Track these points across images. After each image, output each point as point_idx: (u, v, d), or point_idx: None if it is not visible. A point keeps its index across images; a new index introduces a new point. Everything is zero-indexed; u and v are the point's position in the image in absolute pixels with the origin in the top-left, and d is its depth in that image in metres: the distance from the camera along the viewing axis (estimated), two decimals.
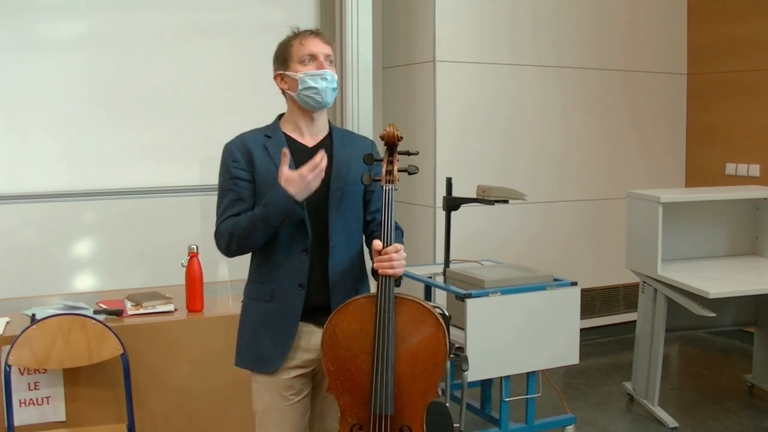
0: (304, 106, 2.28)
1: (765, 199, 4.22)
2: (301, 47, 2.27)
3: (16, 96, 3.82)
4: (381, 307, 2.12)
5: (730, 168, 5.42)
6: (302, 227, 2.23)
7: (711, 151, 5.57)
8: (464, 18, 4.82)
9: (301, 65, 2.26)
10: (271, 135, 2.32)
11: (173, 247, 3.46)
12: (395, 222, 2.25)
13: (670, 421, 3.84)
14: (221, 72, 4.22)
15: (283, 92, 2.35)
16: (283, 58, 2.33)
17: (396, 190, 2.21)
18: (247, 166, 2.26)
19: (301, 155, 2.24)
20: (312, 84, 2.24)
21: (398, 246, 2.15)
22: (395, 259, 2.13)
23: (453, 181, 3.70)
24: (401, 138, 2.22)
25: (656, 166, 5.62)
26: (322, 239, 2.25)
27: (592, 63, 5.28)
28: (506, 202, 3.61)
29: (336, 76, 2.28)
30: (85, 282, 4.02)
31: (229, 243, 2.24)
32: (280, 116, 2.40)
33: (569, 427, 3.66)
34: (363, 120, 4.41)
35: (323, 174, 2.15)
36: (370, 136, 4.46)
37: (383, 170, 2.21)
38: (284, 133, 2.32)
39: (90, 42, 3.94)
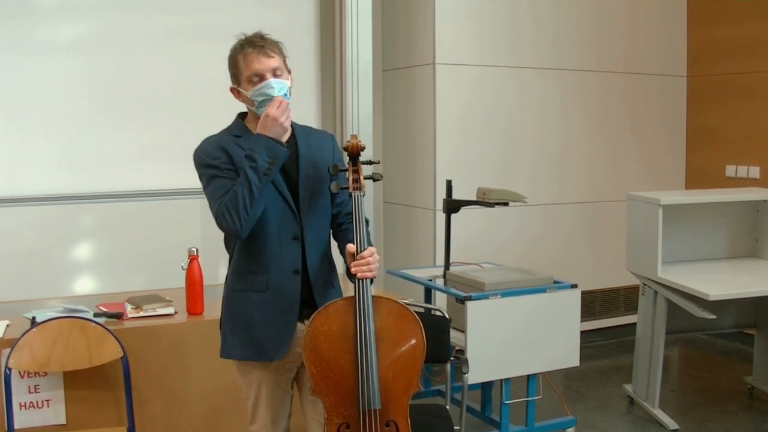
0: None
1: (765, 201, 4.22)
2: (246, 67, 2.28)
3: (16, 98, 3.82)
4: (360, 307, 2.19)
5: (730, 170, 5.42)
6: (291, 215, 2.31)
7: (711, 153, 5.57)
8: (464, 20, 4.82)
9: (249, 84, 2.28)
10: (240, 134, 2.35)
11: (173, 249, 3.46)
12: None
13: (671, 424, 3.84)
14: (221, 74, 4.20)
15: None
16: (233, 73, 2.35)
17: (363, 195, 2.31)
18: (229, 162, 2.30)
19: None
20: (261, 97, 2.27)
21: (372, 249, 2.25)
22: (371, 262, 2.22)
23: (453, 184, 3.70)
24: (364, 148, 2.34)
25: (656, 168, 5.62)
26: (297, 239, 2.33)
27: (592, 65, 5.29)
28: (506, 204, 3.61)
29: (286, 82, 2.29)
30: (85, 285, 4.02)
31: (233, 214, 2.22)
32: (242, 115, 2.44)
33: (569, 429, 3.66)
34: (363, 122, 4.42)
35: (289, 110, 2.24)
36: (370, 140, 4.49)
37: (350, 179, 2.30)
38: (250, 130, 2.34)
39: (90, 44, 3.94)
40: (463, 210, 3.67)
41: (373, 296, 2.24)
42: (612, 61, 5.36)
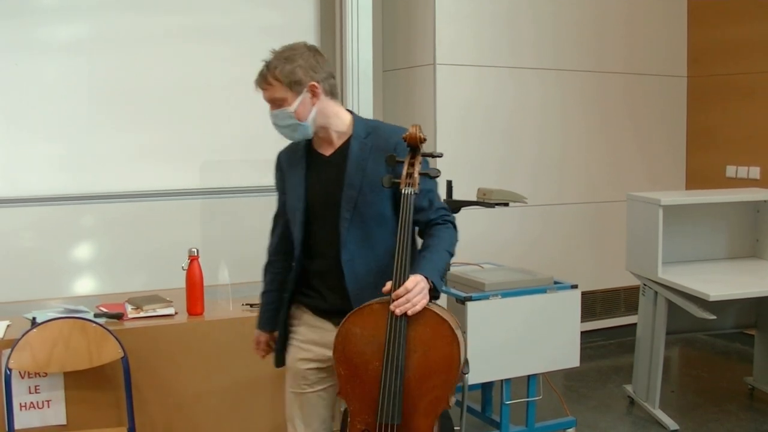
0: None
1: (765, 201, 4.21)
2: None
3: (17, 98, 3.82)
4: (394, 314, 2.07)
5: (731, 170, 5.42)
6: (299, 242, 2.29)
7: (711, 154, 5.57)
8: (464, 21, 4.82)
9: None
10: (299, 146, 2.34)
11: (174, 250, 3.46)
12: (444, 228, 2.25)
13: (671, 424, 3.84)
14: (221, 74, 4.23)
15: None
16: None
17: (416, 194, 2.14)
18: (281, 176, 2.38)
19: (318, 165, 2.29)
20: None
21: (408, 286, 2.05)
22: (410, 298, 2.05)
23: (453, 184, 3.70)
24: (424, 140, 2.16)
25: (656, 168, 5.62)
26: (334, 252, 2.23)
27: (592, 66, 5.29)
28: (506, 204, 3.61)
29: (288, 109, 2.20)
30: (85, 285, 4.02)
31: None
32: None
33: (570, 430, 3.66)
34: None
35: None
36: None
37: (404, 173, 2.14)
38: (309, 141, 2.33)
39: (90, 44, 3.95)
40: (464, 210, 3.67)
41: None
42: (612, 62, 5.36)
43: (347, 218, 2.21)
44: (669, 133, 5.68)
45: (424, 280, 2.09)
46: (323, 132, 2.27)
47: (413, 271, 2.10)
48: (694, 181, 5.69)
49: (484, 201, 3.58)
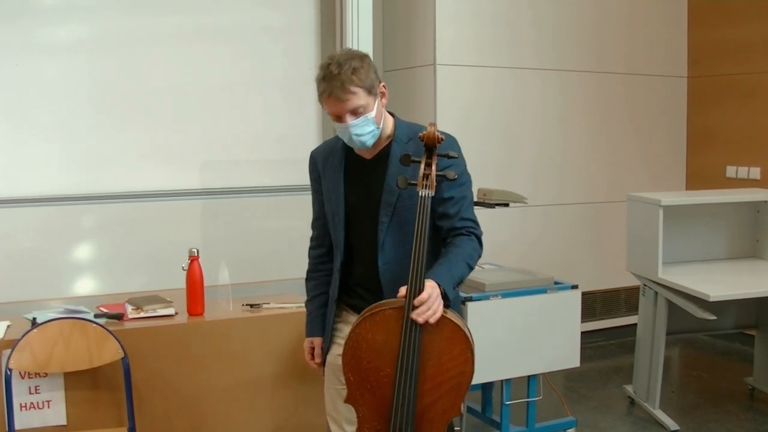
0: None
1: (765, 201, 4.21)
2: (325, 104, 2.19)
3: (17, 98, 3.83)
4: (408, 320, 2.02)
5: (731, 171, 5.42)
6: (339, 245, 2.29)
7: (711, 154, 5.57)
8: (464, 21, 4.82)
9: (330, 116, 2.22)
10: (338, 148, 2.32)
11: (174, 250, 3.46)
12: (468, 239, 2.21)
13: (671, 424, 3.84)
14: (221, 75, 4.23)
15: None
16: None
17: (433, 196, 2.09)
18: (317, 176, 2.38)
19: (358, 169, 2.28)
20: (341, 135, 2.23)
21: (423, 297, 2.00)
22: (431, 305, 2.00)
23: None
24: (442, 140, 2.11)
25: (657, 168, 5.61)
26: (372, 256, 2.23)
27: (592, 66, 5.29)
28: (507, 205, 3.61)
29: (369, 115, 2.15)
30: (85, 285, 4.03)
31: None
32: None
33: (570, 430, 3.66)
34: None
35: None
36: None
37: (420, 173, 2.09)
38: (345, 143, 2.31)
39: (90, 45, 3.95)
40: None
41: None
42: (612, 62, 5.36)
43: (385, 222, 2.21)
44: (669, 133, 5.68)
45: (437, 286, 2.05)
46: (381, 131, 2.26)
47: (428, 276, 2.06)
48: (694, 182, 5.69)
49: (485, 201, 3.58)
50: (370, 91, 2.15)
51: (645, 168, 5.54)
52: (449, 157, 2.14)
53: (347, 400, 2.15)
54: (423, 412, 2.08)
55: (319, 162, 2.37)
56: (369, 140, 2.19)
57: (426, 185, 2.07)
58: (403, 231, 2.20)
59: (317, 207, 2.41)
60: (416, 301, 2.00)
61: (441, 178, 2.10)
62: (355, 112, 2.14)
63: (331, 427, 2.42)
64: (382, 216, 2.21)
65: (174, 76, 4.11)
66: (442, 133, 2.16)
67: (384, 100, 2.22)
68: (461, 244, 2.21)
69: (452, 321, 2.07)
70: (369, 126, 2.17)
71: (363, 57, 2.17)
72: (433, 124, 2.11)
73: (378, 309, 2.08)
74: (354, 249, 2.31)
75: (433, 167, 2.09)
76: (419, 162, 2.10)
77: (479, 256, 2.26)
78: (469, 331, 2.11)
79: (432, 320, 2.01)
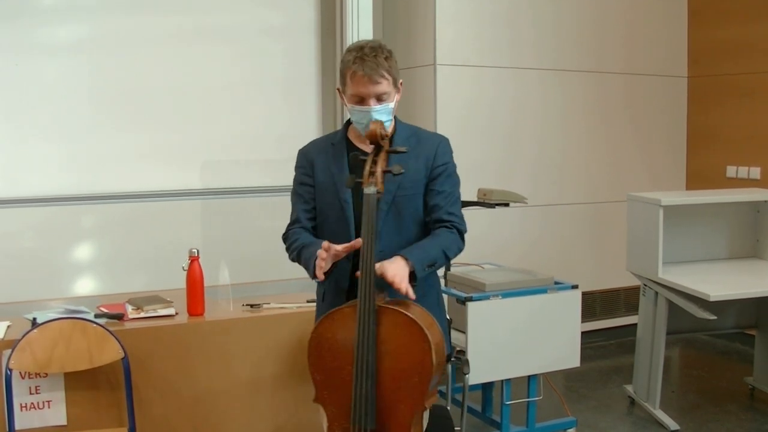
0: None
1: (766, 201, 4.21)
2: (351, 85, 2.23)
3: (17, 99, 3.82)
4: (362, 317, 2.06)
5: (731, 171, 5.42)
6: (347, 235, 2.26)
7: (711, 154, 5.57)
8: (465, 21, 4.82)
9: (350, 100, 2.26)
10: (335, 143, 2.36)
11: (174, 250, 3.46)
12: (449, 231, 2.27)
13: (672, 424, 3.84)
14: (222, 75, 4.23)
15: None
16: (341, 79, 2.31)
17: (380, 194, 2.12)
18: (309, 171, 2.35)
19: (359, 163, 2.25)
20: (358, 119, 2.26)
21: (380, 271, 2.06)
22: (395, 273, 2.06)
23: None
24: (386, 136, 2.14)
25: (657, 168, 5.61)
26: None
27: (592, 66, 5.29)
28: (507, 205, 3.61)
29: (390, 105, 2.24)
30: (85, 286, 4.02)
31: (288, 252, 2.38)
32: (349, 121, 2.40)
33: (570, 430, 3.66)
34: None
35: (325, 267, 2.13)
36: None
37: (366, 171, 2.12)
38: (349, 139, 2.35)
39: (90, 45, 3.95)
40: (464, 210, 3.65)
41: (380, 306, 2.09)
42: (612, 62, 5.36)
43: (384, 210, 2.25)
44: (669, 133, 5.68)
45: (404, 260, 2.11)
46: None
47: (399, 254, 2.14)
48: (694, 182, 5.69)
49: (485, 201, 3.58)
50: (395, 82, 2.26)
51: (645, 168, 5.54)
52: (397, 152, 2.18)
53: (315, 400, 2.18)
54: (386, 408, 2.08)
55: (314, 157, 2.37)
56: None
57: (372, 182, 2.09)
58: (401, 219, 2.28)
59: (309, 197, 2.36)
60: (378, 270, 2.05)
61: (387, 174, 2.12)
62: (380, 98, 2.22)
63: None
64: (382, 204, 2.24)
65: (174, 76, 4.11)
66: (429, 133, 2.30)
67: (398, 96, 2.29)
68: (441, 234, 2.29)
69: (407, 315, 2.08)
70: (387, 115, 2.24)
71: (391, 50, 2.27)
72: (376, 122, 2.14)
73: (337, 308, 2.13)
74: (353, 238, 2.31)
75: (380, 165, 2.11)
76: (365, 160, 2.13)
77: (459, 250, 2.33)
78: (428, 323, 2.11)
79: (402, 289, 2.03)
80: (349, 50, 2.26)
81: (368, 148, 2.28)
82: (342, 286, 2.31)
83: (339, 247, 2.11)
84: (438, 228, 2.31)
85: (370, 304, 2.06)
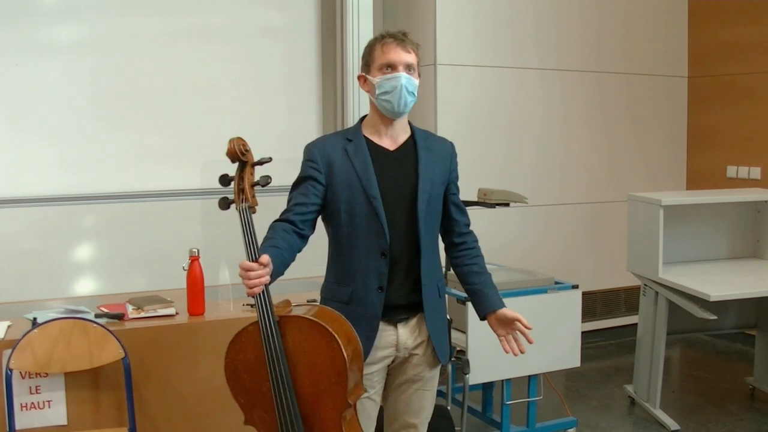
0: (383, 112, 2.30)
1: (766, 201, 4.21)
2: (381, 54, 2.28)
3: (17, 99, 3.82)
4: (264, 332, 2.06)
5: (731, 171, 5.42)
6: (380, 232, 2.23)
7: (712, 154, 5.57)
8: (465, 21, 4.82)
9: (379, 72, 2.27)
10: (352, 138, 2.33)
11: (174, 250, 3.46)
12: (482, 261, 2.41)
13: (672, 424, 3.84)
14: (222, 75, 4.23)
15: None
16: (366, 61, 2.34)
17: (252, 209, 2.11)
18: (323, 168, 2.28)
19: (382, 158, 2.29)
20: (386, 89, 2.26)
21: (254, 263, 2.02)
22: (250, 277, 2.00)
23: None
24: (246, 151, 2.12)
25: (657, 168, 5.61)
26: (412, 243, 2.27)
27: (593, 66, 5.29)
28: (507, 205, 3.61)
29: (416, 81, 2.30)
30: (86, 285, 4.02)
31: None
32: (363, 118, 2.40)
33: (571, 430, 3.66)
34: None
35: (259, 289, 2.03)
36: None
37: (234, 189, 2.11)
38: (365, 136, 2.33)
39: (91, 45, 3.95)
40: None
41: (282, 316, 2.09)
42: (613, 62, 5.37)
43: (423, 210, 2.27)
44: (670, 133, 5.68)
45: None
46: (401, 123, 2.34)
47: (493, 307, 2.39)
48: (694, 182, 5.69)
49: (485, 201, 3.58)
50: (419, 63, 2.33)
51: (645, 168, 5.54)
52: (261, 163, 2.18)
53: (246, 423, 2.17)
54: (311, 413, 2.09)
55: (331, 156, 2.28)
56: (409, 101, 2.29)
57: (243, 199, 2.10)
58: (432, 217, 2.31)
59: (312, 192, 2.28)
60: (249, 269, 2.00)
61: (256, 185, 2.13)
62: (409, 68, 2.28)
63: None
64: (421, 203, 2.26)
65: (174, 76, 4.11)
66: (437, 138, 2.36)
67: (417, 82, 2.34)
68: (480, 256, 2.46)
69: (305, 318, 2.08)
70: (414, 88, 2.30)
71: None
72: (235, 139, 2.12)
73: (241, 330, 2.12)
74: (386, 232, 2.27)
75: (246, 180, 2.11)
76: (233, 178, 2.12)
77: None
78: (332, 319, 2.11)
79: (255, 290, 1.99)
80: (379, 35, 2.34)
81: (387, 144, 2.31)
82: (381, 284, 2.25)
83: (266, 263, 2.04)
84: (472, 245, 2.43)
85: (271, 317, 2.07)
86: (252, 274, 2.00)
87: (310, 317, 2.09)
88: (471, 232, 2.45)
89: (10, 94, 3.81)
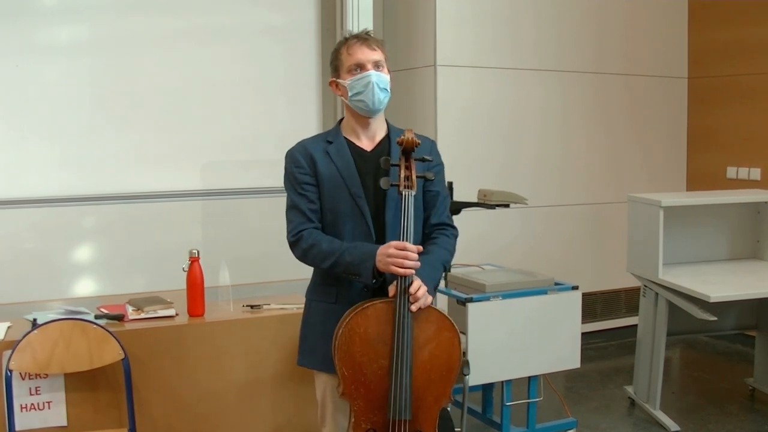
0: (359, 112, 2.32)
1: (766, 202, 4.21)
2: (348, 56, 2.31)
3: (17, 100, 3.83)
4: (399, 312, 2.14)
5: (731, 171, 5.42)
6: (367, 231, 2.29)
7: (712, 155, 5.57)
8: (465, 22, 4.82)
9: (349, 74, 2.30)
10: (332, 140, 2.36)
11: (174, 251, 3.46)
12: (450, 241, 2.38)
13: (672, 425, 3.84)
14: (222, 76, 4.23)
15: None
16: (334, 66, 2.37)
17: (414, 195, 2.21)
18: (310, 171, 2.32)
19: (361, 160, 2.33)
20: (358, 89, 2.28)
21: (416, 286, 2.16)
22: (424, 294, 2.16)
23: (454, 185, 3.69)
24: (418, 144, 2.22)
25: (657, 169, 5.61)
26: (379, 241, 2.29)
27: (592, 67, 5.29)
28: (507, 206, 3.61)
29: (386, 77, 2.32)
30: (86, 286, 4.03)
31: (304, 257, 2.32)
32: (341, 121, 2.44)
33: (571, 431, 3.66)
34: None
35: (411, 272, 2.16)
36: None
37: (401, 175, 2.20)
38: (345, 137, 2.37)
39: (90, 46, 3.95)
40: (464, 211, 3.67)
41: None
42: (613, 63, 5.37)
43: (409, 208, 2.28)
44: (670, 134, 5.68)
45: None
46: (378, 121, 2.36)
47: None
48: (694, 183, 5.69)
49: (485, 202, 3.58)
50: (386, 61, 2.35)
51: (645, 169, 5.54)
52: (424, 161, 2.26)
53: (342, 395, 2.20)
54: (419, 400, 2.18)
55: (314, 156, 2.33)
56: (383, 97, 2.30)
57: (408, 186, 2.19)
58: (416, 217, 2.32)
59: (315, 197, 2.32)
60: (413, 290, 2.15)
61: (421, 179, 2.24)
62: (378, 66, 2.30)
63: (328, 421, 2.44)
64: (407, 203, 2.26)
65: (174, 77, 4.11)
66: (419, 136, 2.29)
67: (389, 76, 2.35)
68: (444, 245, 2.39)
69: (437, 310, 2.23)
70: (385, 84, 2.30)
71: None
72: (410, 130, 2.23)
73: (369, 303, 2.18)
74: (372, 230, 2.32)
75: (413, 169, 2.21)
76: (398, 165, 2.22)
77: (453, 255, 2.46)
78: (452, 319, 2.24)
79: (401, 271, 2.13)
80: (344, 37, 2.38)
81: (365, 144, 2.34)
82: (373, 285, 2.26)
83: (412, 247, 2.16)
84: (439, 235, 2.41)
85: (407, 301, 2.15)
86: (411, 255, 2.14)
87: (442, 311, 2.24)
88: (448, 228, 2.43)
89: (10, 95, 3.81)
